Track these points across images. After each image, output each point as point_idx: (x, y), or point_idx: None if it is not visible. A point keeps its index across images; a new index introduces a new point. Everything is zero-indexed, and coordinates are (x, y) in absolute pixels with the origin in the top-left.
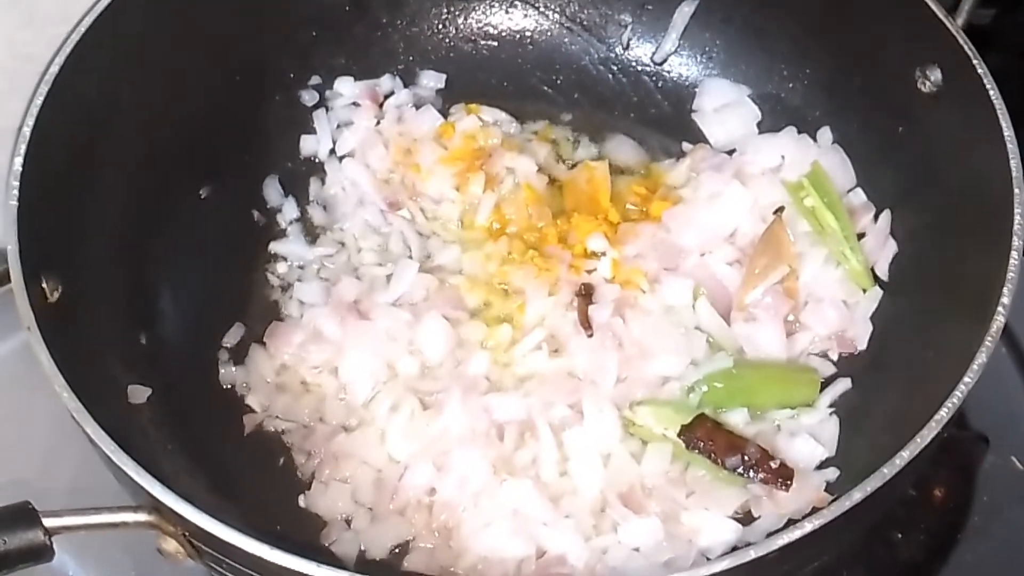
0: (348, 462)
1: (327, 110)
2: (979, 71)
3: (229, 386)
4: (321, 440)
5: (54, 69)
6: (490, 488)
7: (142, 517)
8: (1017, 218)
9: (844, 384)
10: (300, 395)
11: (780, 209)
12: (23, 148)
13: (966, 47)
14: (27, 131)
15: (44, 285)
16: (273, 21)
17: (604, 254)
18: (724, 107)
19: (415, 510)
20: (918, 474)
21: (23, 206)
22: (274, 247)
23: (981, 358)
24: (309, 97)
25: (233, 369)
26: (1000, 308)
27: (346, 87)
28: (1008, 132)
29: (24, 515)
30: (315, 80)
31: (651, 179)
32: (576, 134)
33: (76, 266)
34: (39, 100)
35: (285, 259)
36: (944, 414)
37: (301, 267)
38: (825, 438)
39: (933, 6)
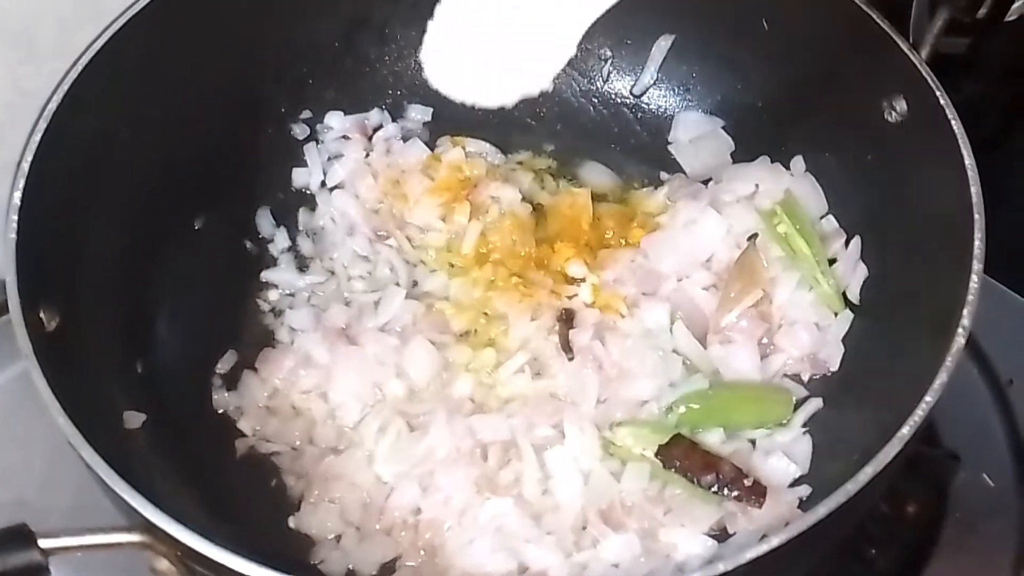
0: (337, 483)
1: (318, 143)
2: (942, 102)
3: (222, 411)
4: (310, 462)
5: (52, 105)
6: (474, 506)
7: (136, 538)
8: (977, 242)
9: (816, 403)
10: (290, 419)
11: (754, 236)
12: (21, 182)
13: (929, 79)
14: (25, 166)
15: (42, 315)
16: (266, 57)
17: (584, 280)
18: (699, 138)
19: (401, 529)
20: (887, 489)
21: (21, 239)
22: (266, 275)
23: (942, 377)
24: (300, 130)
25: (226, 394)
26: (960, 329)
27: (336, 121)
28: (968, 160)
29: (20, 536)
30: (306, 114)
31: (629, 206)
32: (558, 164)
33: (73, 296)
34: (37, 135)
35: (276, 287)
36: (906, 431)
37: (292, 295)
38: (798, 456)
39: (898, 39)
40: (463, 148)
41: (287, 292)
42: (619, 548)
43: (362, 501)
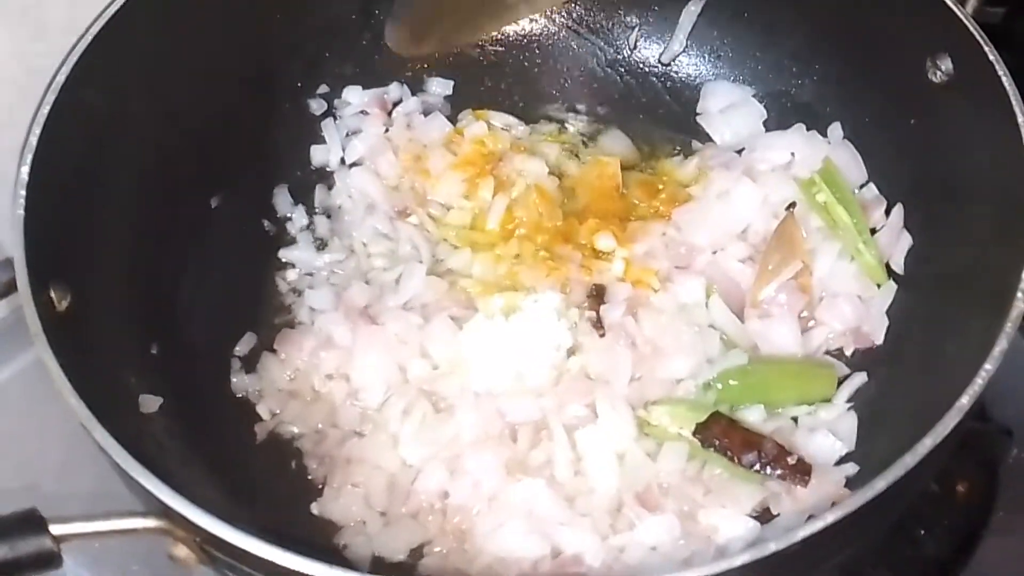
0: (360, 467)
1: (335, 119)
2: (991, 58)
3: (241, 394)
4: (333, 446)
5: (60, 78)
6: (504, 489)
7: (152, 523)
8: None
9: (861, 378)
10: (312, 401)
11: (792, 205)
12: (29, 157)
13: (977, 34)
14: (33, 140)
15: (52, 294)
16: (281, 30)
17: (613, 253)
18: (729, 108)
19: (428, 514)
20: (940, 466)
21: (30, 215)
22: (284, 254)
23: (1002, 344)
24: (317, 106)
25: (245, 377)
26: (1020, 294)
27: (354, 96)
28: (1022, 118)
29: (30, 521)
30: (323, 89)
31: (656, 175)
32: (584, 136)
33: (85, 276)
34: (45, 109)
35: (295, 266)
36: (965, 401)
37: (311, 274)
38: (844, 433)
39: None
40: (486, 122)
41: (306, 272)
42: (657, 531)
43: (387, 485)
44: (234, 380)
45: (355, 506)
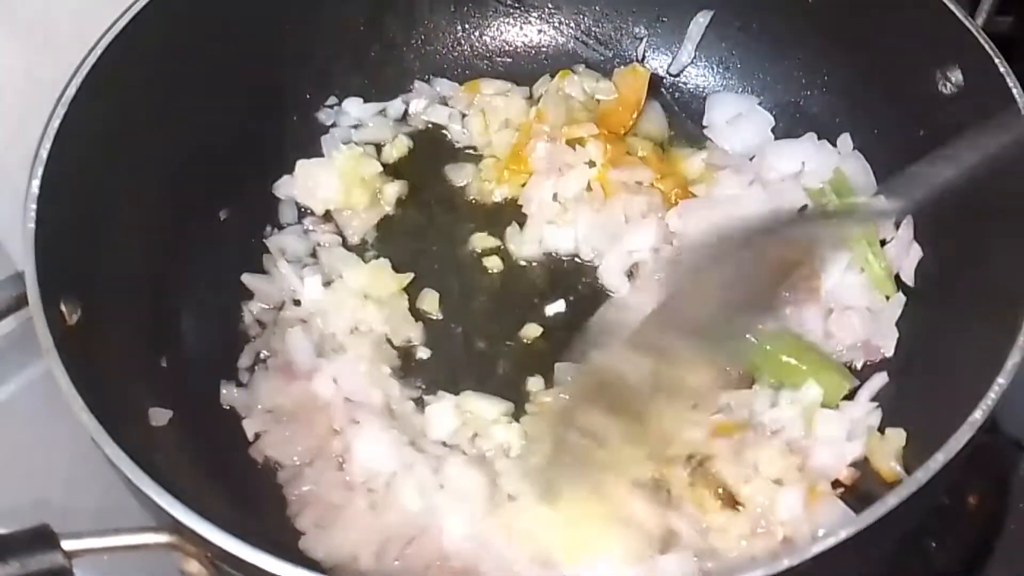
0: (344, 513)
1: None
2: (1001, 70)
3: (228, 407)
4: (311, 483)
5: (71, 92)
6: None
7: (163, 539)
8: None
9: (882, 378)
10: (298, 430)
11: (803, 208)
12: (40, 171)
13: (987, 47)
14: (44, 154)
15: (63, 308)
16: (289, 42)
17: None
18: (736, 118)
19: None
20: (951, 481)
21: (40, 229)
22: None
23: (1016, 357)
24: (326, 117)
25: (235, 391)
26: None
27: (354, 108)
28: None
29: (42, 537)
30: (332, 100)
31: (668, 161)
32: None
33: (95, 289)
34: (56, 123)
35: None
36: (979, 416)
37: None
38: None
39: (952, 7)
40: None
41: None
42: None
43: (377, 540)
44: (223, 392)
45: (342, 549)
